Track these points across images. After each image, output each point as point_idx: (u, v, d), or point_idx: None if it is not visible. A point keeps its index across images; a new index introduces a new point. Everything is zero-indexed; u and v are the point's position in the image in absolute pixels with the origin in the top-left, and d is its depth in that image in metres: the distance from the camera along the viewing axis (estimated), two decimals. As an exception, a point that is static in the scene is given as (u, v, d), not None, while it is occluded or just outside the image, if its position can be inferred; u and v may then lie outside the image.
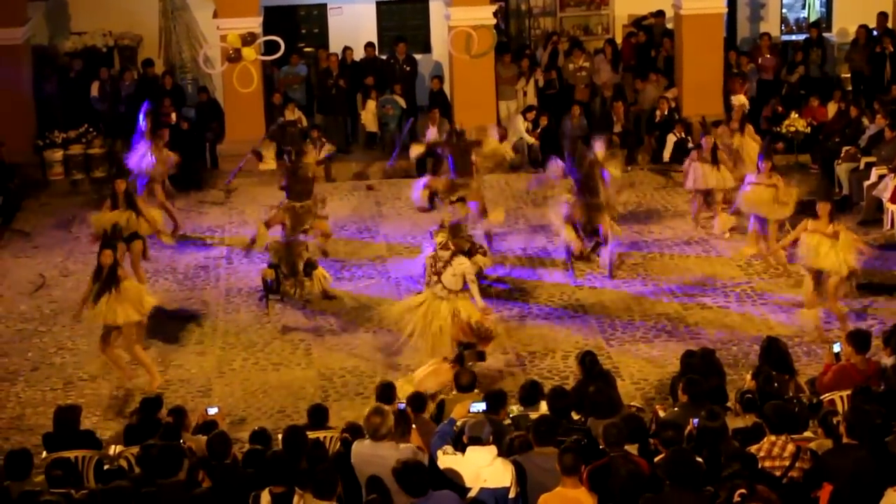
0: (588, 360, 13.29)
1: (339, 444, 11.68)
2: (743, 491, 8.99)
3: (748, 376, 12.77)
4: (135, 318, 15.64)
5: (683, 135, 23.27)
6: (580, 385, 12.97)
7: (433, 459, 10.48)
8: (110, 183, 19.03)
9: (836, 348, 13.43)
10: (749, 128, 21.47)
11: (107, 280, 15.37)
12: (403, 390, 13.75)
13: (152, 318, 16.81)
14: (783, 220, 19.04)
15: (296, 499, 9.84)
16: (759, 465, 9.98)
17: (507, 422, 11.96)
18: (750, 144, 20.96)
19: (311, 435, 11.53)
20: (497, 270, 18.98)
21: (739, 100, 21.47)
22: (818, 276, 16.23)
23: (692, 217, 20.93)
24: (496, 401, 11.81)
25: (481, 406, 11.45)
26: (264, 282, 17.65)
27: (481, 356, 14.52)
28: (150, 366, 16.09)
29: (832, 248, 15.96)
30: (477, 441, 10.26)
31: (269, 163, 21.17)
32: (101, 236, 17.49)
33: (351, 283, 19.18)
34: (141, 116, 20.93)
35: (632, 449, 10.45)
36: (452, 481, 10.17)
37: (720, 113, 23.42)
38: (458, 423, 10.98)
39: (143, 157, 20.70)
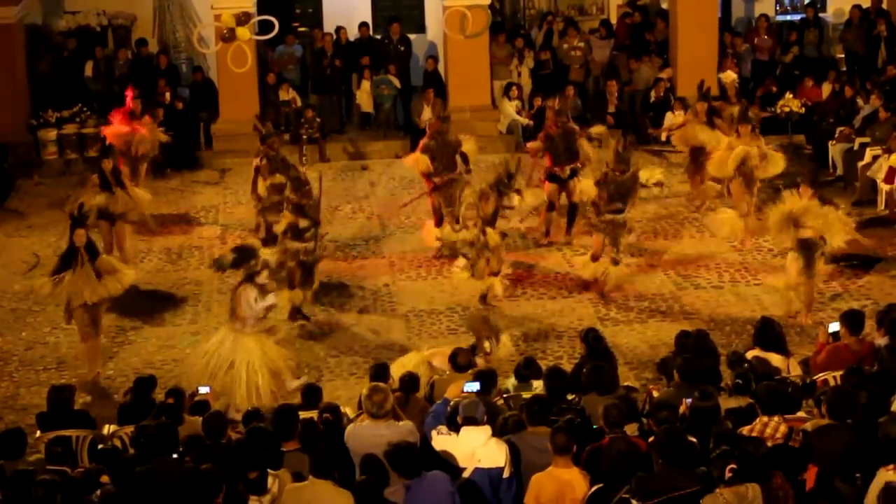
0: (591, 337, 13.31)
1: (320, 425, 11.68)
2: (733, 466, 9.01)
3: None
4: (117, 290, 15.52)
5: (684, 113, 23.12)
6: (582, 362, 13.01)
7: (427, 440, 10.50)
8: (97, 162, 18.93)
9: (833, 328, 13.43)
10: (745, 102, 21.50)
11: (90, 258, 15.22)
12: (412, 362, 13.86)
13: (142, 299, 16.86)
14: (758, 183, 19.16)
15: (270, 480, 9.84)
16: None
17: (500, 402, 11.98)
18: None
19: (304, 415, 11.53)
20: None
21: (729, 76, 21.52)
22: (808, 253, 16.13)
23: (691, 187, 21.13)
24: (486, 380, 11.84)
25: (475, 386, 11.46)
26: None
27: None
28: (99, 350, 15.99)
29: (821, 218, 15.92)
30: (472, 421, 10.27)
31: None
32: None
33: (345, 263, 19.18)
34: (129, 98, 20.93)
35: (630, 429, 10.47)
36: (446, 462, 10.19)
37: (715, 93, 23.39)
38: (452, 404, 11.01)
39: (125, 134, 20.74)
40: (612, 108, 24.29)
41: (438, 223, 18.83)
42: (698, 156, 20.46)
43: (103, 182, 18.11)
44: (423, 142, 19.06)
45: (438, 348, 14.56)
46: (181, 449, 10.44)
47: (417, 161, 18.86)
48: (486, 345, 14.77)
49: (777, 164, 19.04)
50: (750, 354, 12.95)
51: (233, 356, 14.00)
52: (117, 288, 15.54)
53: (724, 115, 20.94)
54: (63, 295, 15.27)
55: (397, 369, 13.33)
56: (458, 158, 18.97)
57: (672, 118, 22.97)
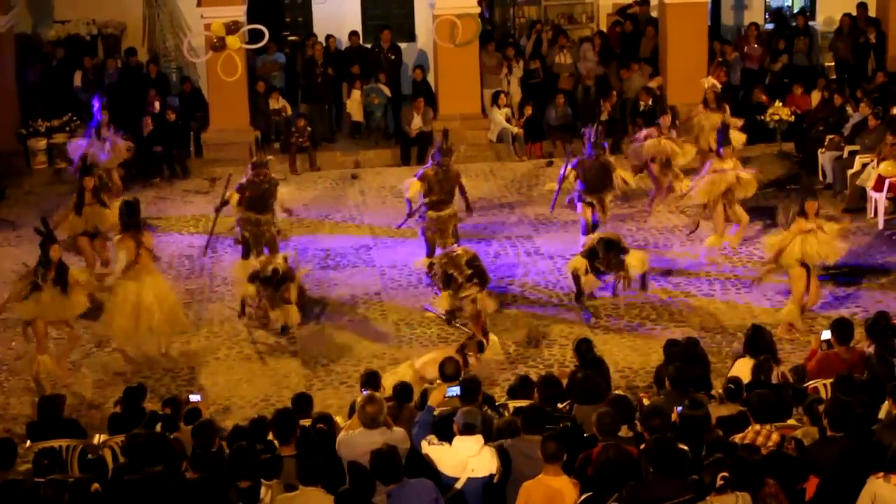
0: (584, 348, 13.37)
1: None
2: (725, 474, 9.01)
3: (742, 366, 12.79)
4: (83, 307, 15.90)
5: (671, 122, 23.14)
6: (575, 371, 13.02)
7: (417, 449, 10.49)
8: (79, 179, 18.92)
9: (825, 335, 13.45)
10: (726, 107, 21.63)
11: (58, 276, 15.45)
12: (404, 375, 13.83)
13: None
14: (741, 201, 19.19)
15: (262, 490, 9.83)
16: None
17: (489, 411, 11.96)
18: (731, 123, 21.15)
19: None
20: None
21: (708, 81, 21.70)
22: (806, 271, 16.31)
23: (650, 198, 21.22)
24: (470, 389, 11.84)
25: (456, 391, 11.48)
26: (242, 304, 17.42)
27: (480, 346, 14.60)
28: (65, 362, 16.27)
29: (819, 242, 16.04)
30: (471, 429, 10.27)
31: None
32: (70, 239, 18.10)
33: (335, 271, 19.18)
34: (95, 109, 20.98)
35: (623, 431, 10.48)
36: (438, 472, 10.20)
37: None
38: (436, 411, 11.03)
39: (91, 147, 20.79)
40: (604, 117, 24.20)
41: (430, 253, 18.26)
42: (666, 166, 20.68)
43: (80, 200, 18.14)
44: (423, 170, 18.32)
45: (429, 356, 14.58)
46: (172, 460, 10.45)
47: (411, 186, 18.30)
48: (474, 347, 14.80)
49: (750, 187, 19.00)
50: (742, 362, 12.97)
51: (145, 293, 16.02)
52: (77, 310, 15.86)
53: (701, 121, 21.13)
54: (31, 309, 15.56)
55: (390, 381, 13.35)
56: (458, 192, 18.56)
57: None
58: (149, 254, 16.18)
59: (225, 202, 18.04)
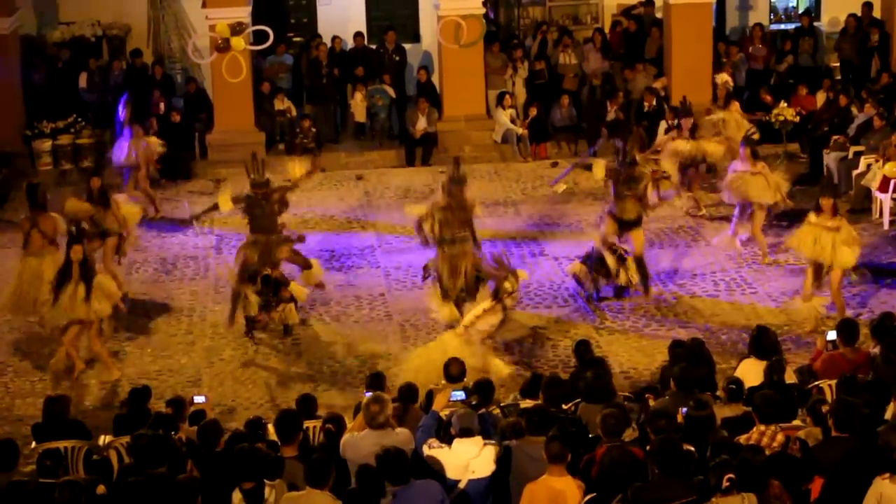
0: (582, 349, 13.40)
1: (322, 435, 11.68)
2: (731, 476, 9.00)
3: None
4: (106, 312, 15.92)
5: (675, 121, 23.07)
6: (575, 374, 13.02)
7: (419, 453, 10.50)
8: (87, 178, 18.97)
9: (831, 336, 13.44)
10: (735, 104, 21.61)
11: (83, 275, 15.48)
12: (449, 345, 14.25)
13: (137, 309, 17.43)
14: (769, 206, 19.02)
15: (267, 491, 9.83)
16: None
17: (496, 411, 11.97)
18: (735, 121, 21.10)
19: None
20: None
21: (722, 77, 21.70)
22: (818, 269, 16.22)
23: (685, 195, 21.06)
24: (485, 391, 11.85)
25: (460, 395, 11.48)
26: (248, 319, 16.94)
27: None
28: (108, 360, 16.24)
29: (832, 242, 15.91)
30: (468, 433, 10.27)
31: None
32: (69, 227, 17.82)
33: (340, 272, 19.17)
34: (120, 107, 21.06)
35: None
36: (439, 475, 10.19)
37: (709, 102, 23.41)
38: (442, 414, 11.02)
39: (125, 148, 20.92)
40: (610, 117, 24.12)
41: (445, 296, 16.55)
42: (687, 168, 20.55)
43: (89, 197, 18.13)
44: (432, 204, 16.73)
45: (476, 312, 14.82)
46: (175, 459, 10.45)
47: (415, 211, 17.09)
48: (507, 284, 14.85)
49: (775, 190, 18.86)
50: (747, 363, 12.95)
51: None
52: (104, 309, 15.86)
53: (714, 118, 21.13)
54: (59, 312, 15.60)
55: (437, 355, 13.80)
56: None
57: (664, 126, 23.04)
58: (41, 236, 16.79)
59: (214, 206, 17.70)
